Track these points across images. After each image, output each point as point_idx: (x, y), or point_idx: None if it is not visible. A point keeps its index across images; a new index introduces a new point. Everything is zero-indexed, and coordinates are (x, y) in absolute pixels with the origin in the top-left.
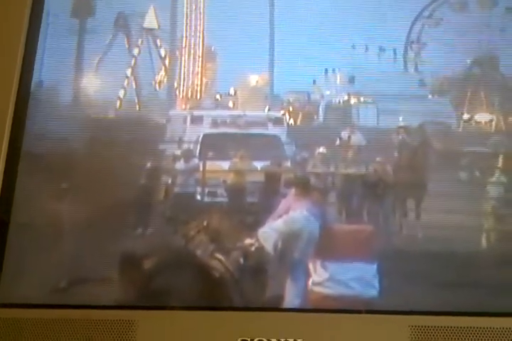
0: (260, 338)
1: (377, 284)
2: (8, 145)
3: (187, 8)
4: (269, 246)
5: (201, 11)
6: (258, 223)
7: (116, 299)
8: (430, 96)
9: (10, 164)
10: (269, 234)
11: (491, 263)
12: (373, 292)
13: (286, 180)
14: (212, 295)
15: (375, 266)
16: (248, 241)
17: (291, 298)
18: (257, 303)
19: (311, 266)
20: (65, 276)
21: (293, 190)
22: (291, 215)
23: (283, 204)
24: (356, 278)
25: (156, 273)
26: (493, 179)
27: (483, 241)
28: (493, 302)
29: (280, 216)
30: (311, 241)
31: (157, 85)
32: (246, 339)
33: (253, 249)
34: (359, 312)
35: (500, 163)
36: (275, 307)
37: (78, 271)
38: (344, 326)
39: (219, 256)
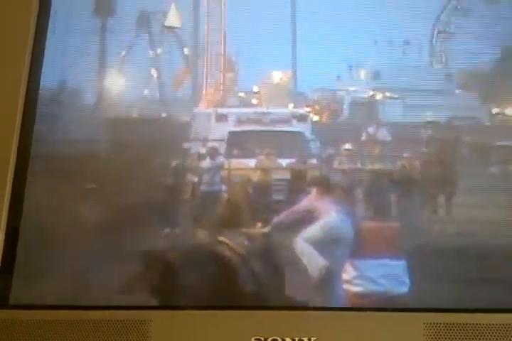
0: (274, 337)
1: (407, 280)
2: (18, 148)
3: (208, 5)
4: (311, 267)
5: (223, 8)
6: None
7: (130, 299)
8: (457, 91)
9: (21, 166)
10: (307, 250)
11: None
12: (404, 289)
13: (310, 177)
14: (226, 294)
15: (399, 263)
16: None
17: (311, 296)
18: (271, 302)
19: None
20: (79, 277)
21: (316, 188)
22: (328, 221)
23: (305, 201)
24: (384, 275)
25: (171, 272)
26: None
27: None
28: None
29: (303, 215)
30: (348, 245)
31: (180, 84)
32: (260, 338)
33: (276, 252)
34: (373, 310)
35: None
36: (289, 305)
37: (92, 272)
38: (357, 324)
39: (236, 254)
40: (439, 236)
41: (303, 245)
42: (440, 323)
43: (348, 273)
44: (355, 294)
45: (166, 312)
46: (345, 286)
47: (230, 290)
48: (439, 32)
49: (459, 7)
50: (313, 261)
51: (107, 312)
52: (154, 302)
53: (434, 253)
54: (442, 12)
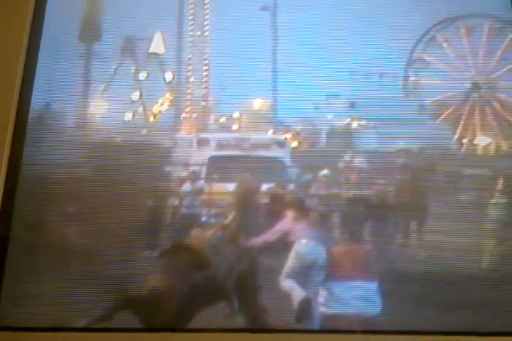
0: None
1: (378, 303)
2: (8, 169)
3: (192, 33)
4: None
5: (206, 36)
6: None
7: (116, 321)
8: (429, 121)
9: (10, 187)
10: (288, 286)
11: (490, 284)
12: (374, 311)
13: (287, 202)
14: (221, 316)
15: (375, 286)
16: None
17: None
18: (253, 325)
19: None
20: (64, 300)
21: (293, 212)
22: (298, 249)
23: (281, 224)
24: (358, 297)
25: (162, 295)
26: (494, 200)
27: (484, 263)
28: (494, 323)
29: (280, 236)
30: (321, 268)
31: (163, 109)
32: None
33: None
34: (358, 332)
35: (500, 184)
36: (275, 328)
37: (77, 294)
38: None
39: (222, 277)
40: (410, 261)
41: (284, 283)
42: None
43: (323, 295)
44: (330, 316)
45: (152, 334)
46: (322, 309)
47: (223, 313)
48: (415, 59)
49: (437, 37)
50: (294, 296)
51: (95, 334)
52: (140, 324)
53: (406, 277)
54: (420, 41)
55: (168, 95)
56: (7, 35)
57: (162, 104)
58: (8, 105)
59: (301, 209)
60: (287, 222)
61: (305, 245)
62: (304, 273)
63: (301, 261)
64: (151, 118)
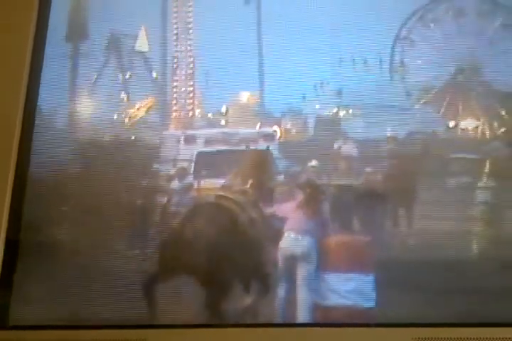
0: None
1: (375, 296)
2: (16, 171)
3: (177, 29)
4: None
5: (191, 31)
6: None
7: (125, 319)
8: (416, 106)
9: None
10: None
11: (484, 269)
12: (372, 304)
13: (278, 193)
14: (217, 312)
15: (371, 277)
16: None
17: (291, 313)
18: (253, 320)
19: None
20: (74, 297)
21: (287, 202)
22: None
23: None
24: (354, 289)
25: (160, 290)
26: (482, 184)
27: (474, 247)
28: (492, 311)
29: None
30: (308, 260)
31: (139, 114)
32: None
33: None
34: (362, 325)
35: (487, 167)
36: (274, 323)
37: (86, 292)
38: (346, 339)
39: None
40: (402, 249)
41: None
42: (428, 338)
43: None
44: (329, 309)
45: (162, 330)
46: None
47: (220, 308)
48: (402, 38)
49: (425, 17)
50: None
51: (102, 331)
52: (149, 321)
53: (400, 266)
54: (408, 20)
55: (148, 100)
56: (12, 43)
57: (139, 108)
58: (15, 107)
59: (296, 200)
60: (291, 205)
61: (288, 237)
62: (288, 266)
63: (284, 253)
64: (127, 121)
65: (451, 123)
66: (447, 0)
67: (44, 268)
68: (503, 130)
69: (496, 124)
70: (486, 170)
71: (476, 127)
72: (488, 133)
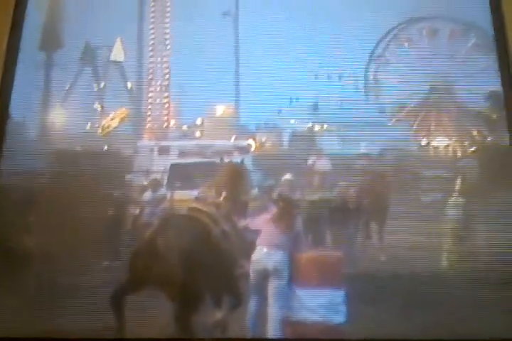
0: None
1: (345, 311)
2: None
3: (153, 40)
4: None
5: (167, 42)
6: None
7: (93, 331)
8: (390, 123)
9: None
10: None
11: (455, 283)
12: (343, 319)
13: (251, 207)
14: (186, 326)
15: (342, 292)
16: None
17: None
18: (222, 335)
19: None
20: (40, 309)
21: (260, 215)
22: (252, 257)
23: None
24: (325, 305)
25: (129, 302)
26: (452, 201)
27: (444, 261)
28: (457, 325)
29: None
30: (280, 275)
31: (113, 124)
32: None
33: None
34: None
35: (458, 185)
36: (244, 338)
37: (53, 303)
38: None
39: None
40: (373, 263)
41: None
42: None
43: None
44: (300, 324)
45: None
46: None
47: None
48: (377, 57)
49: (399, 36)
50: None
51: None
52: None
53: (371, 280)
54: (382, 39)
55: (122, 110)
56: None
57: (113, 118)
58: None
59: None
60: (265, 218)
61: (261, 252)
62: (259, 280)
63: (255, 268)
64: (99, 131)
65: (424, 141)
66: (421, 20)
67: (11, 279)
68: (473, 149)
69: (466, 143)
70: (457, 187)
71: (448, 145)
72: (459, 152)
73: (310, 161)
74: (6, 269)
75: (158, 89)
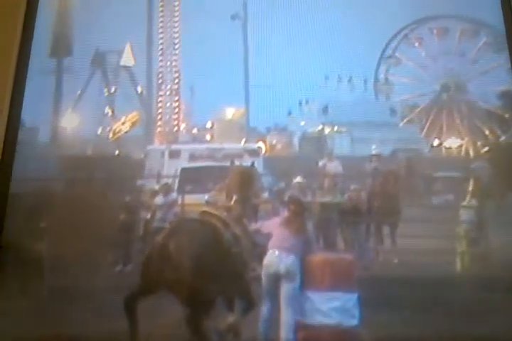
0: None
1: (358, 314)
2: None
3: (162, 44)
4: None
5: (177, 46)
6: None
7: (105, 336)
8: (401, 124)
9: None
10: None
11: (468, 287)
12: (356, 322)
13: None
14: (198, 330)
15: (355, 296)
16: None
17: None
18: (235, 339)
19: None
20: (53, 314)
21: (272, 219)
22: (264, 261)
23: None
24: (338, 308)
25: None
26: (465, 203)
27: (457, 264)
28: (470, 329)
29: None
30: (292, 278)
31: (123, 129)
32: None
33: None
34: None
35: (470, 186)
36: None
37: (65, 308)
38: None
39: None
40: (385, 267)
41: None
42: None
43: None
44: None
45: None
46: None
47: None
48: (387, 57)
49: (410, 36)
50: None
51: None
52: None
53: (383, 284)
54: (392, 39)
55: (133, 114)
56: None
57: (124, 123)
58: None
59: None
60: (276, 222)
61: (269, 255)
62: (271, 283)
63: (265, 271)
64: (110, 135)
65: (436, 142)
66: (432, 20)
67: (24, 283)
68: (486, 149)
69: (479, 143)
70: (470, 188)
71: (460, 146)
72: (471, 152)
73: (321, 163)
74: (18, 274)
75: (168, 93)
